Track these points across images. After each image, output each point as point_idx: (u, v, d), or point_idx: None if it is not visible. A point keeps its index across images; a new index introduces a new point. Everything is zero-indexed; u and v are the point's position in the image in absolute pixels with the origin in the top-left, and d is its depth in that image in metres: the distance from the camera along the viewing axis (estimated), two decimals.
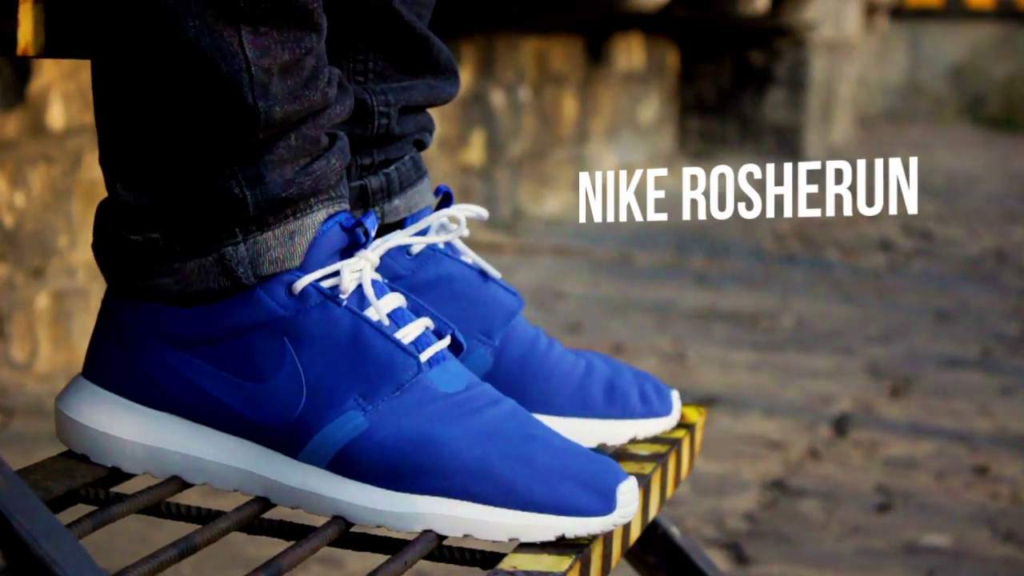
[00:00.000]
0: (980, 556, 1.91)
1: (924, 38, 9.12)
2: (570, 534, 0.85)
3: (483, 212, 1.05)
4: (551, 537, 0.85)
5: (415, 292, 1.00)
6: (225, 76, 0.85)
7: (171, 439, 0.90)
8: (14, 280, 2.38)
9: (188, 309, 0.90)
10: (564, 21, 4.72)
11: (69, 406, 0.93)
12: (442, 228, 1.04)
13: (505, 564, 0.83)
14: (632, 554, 1.25)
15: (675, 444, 1.09)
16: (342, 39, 1.00)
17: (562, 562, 0.84)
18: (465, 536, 0.86)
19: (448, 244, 1.04)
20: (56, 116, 2.46)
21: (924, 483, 2.19)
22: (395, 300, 0.90)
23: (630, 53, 5.62)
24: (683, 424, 1.13)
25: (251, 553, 1.71)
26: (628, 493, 0.87)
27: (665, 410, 1.07)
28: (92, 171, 2.55)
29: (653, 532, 1.23)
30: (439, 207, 1.06)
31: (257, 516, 0.89)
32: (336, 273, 0.89)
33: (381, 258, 0.97)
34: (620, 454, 1.05)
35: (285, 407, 0.87)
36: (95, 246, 0.92)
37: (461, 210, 1.04)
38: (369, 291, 0.88)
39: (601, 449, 1.04)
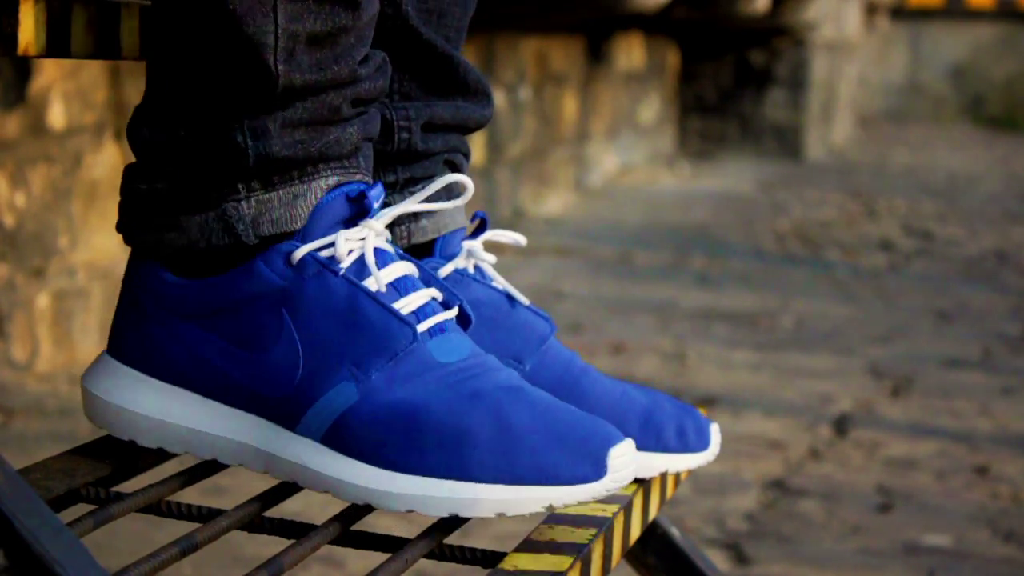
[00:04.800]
0: (980, 556, 1.91)
1: (924, 38, 9.13)
2: (558, 504, 0.84)
3: (520, 238, 1.04)
4: (539, 509, 0.84)
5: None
6: (252, 35, 0.86)
7: (181, 413, 0.91)
8: (14, 280, 2.38)
9: (195, 281, 0.90)
10: (564, 21, 4.72)
11: (92, 381, 0.94)
12: (471, 254, 1.03)
13: (506, 563, 0.83)
14: (632, 554, 1.25)
15: None
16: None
17: (563, 561, 0.84)
18: (450, 515, 0.85)
19: (478, 269, 1.03)
20: (56, 116, 2.46)
21: (924, 483, 2.19)
22: (401, 269, 0.90)
23: (630, 53, 5.62)
24: None
25: (252, 552, 1.71)
26: (621, 457, 0.85)
27: (702, 446, 1.04)
28: (92, 171, 2.55)
29: (653, 532, 1.23)
30: (475, 232, 1.05)
31: (258, 514, 0.89)
32: (334, 243, 0.89)
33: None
34: None
35: (283, 378, 0.87)
36: (120, 204, 0.93)
37: (496, 235, 1.04)
38: (370, 260, 0.88)
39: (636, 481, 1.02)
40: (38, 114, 2.42)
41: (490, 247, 1.04)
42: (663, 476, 1.04)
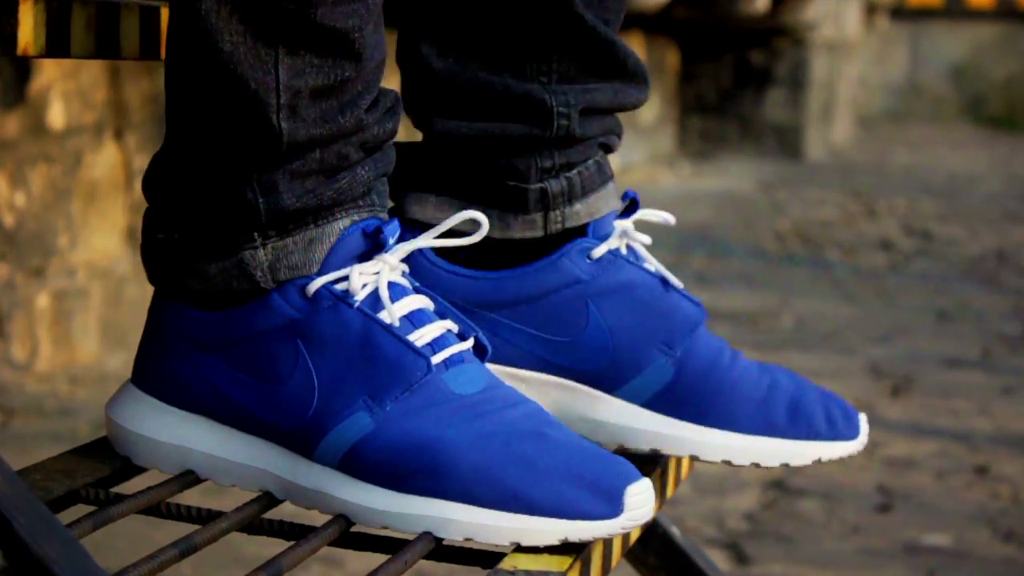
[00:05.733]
0: (980, 556, 1.91)
1: (924, 38, 9.12)
2: (573, 538, 0.84)
3: (670, 217, 1.03)
4: (554, 541, 0.84)
5: (595, 298, 1.00)
6: (254, 93, 0.86)
7: (201, 441, 0.92)
8: (14, 280, 2.38)
9: (213, 313, 0.91)
10: None
11: (115, 410, 0.95)
12: (625, 234, 1.02)
13: (505, 564, 0.83)
14: (632, 554, 1.25)
15: None
16: (525, 40, 1.00)
17: (562, 562, 0.84)
18: (466, 540, 0.85)
19: (631, 250, 1.02)
20: (56, 116, 2.46)
21: (924, 483, 2.19)
22: (416, 302, 0.90)
23: None
24: None
25: (251, 553, 1.71)
26: (638, 495, 0.85)
27: (852, 433, 1.03)
28: (92, 171, 2.55)
29: (653, 532, 1.23)
30: (626, 212, 1.04)
31: (257, 516, 0.89)
32: (348, 276, 0.89)
33: (564, 261, 0.99)
34: (620, 454, 1.04)
35: (299, 409, 0.88)
36: (141, 247, 0.94)
37: (646, 215, 1.03)
38: (384, 293, 0.88)
39: (783, 469, 1.02)
40: (38, 114, 2.42)
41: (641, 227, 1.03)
42: (663, 475, 1.04)
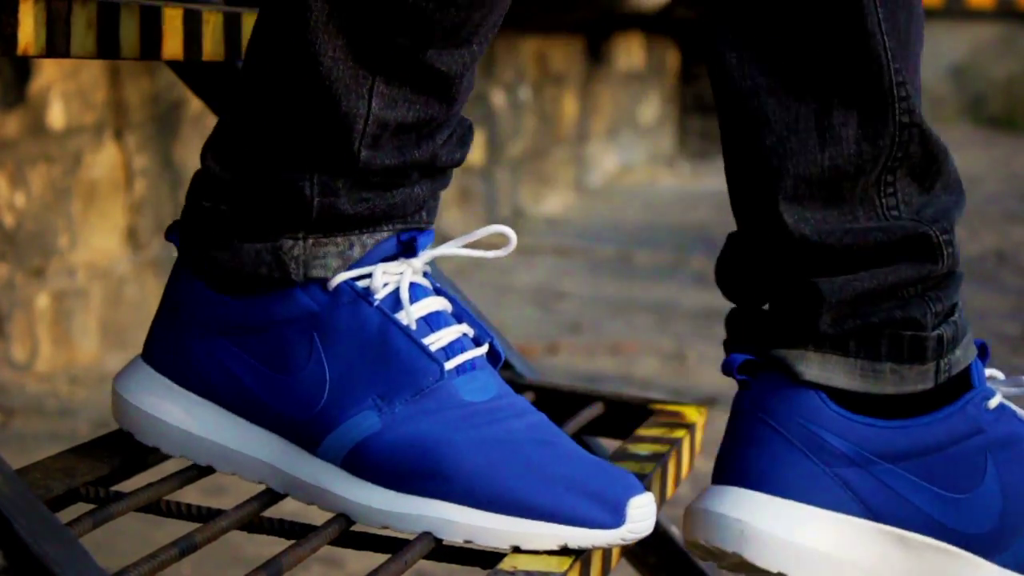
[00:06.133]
0: None
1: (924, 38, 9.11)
2: (573, 544, 0.85)
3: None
4: (553, 546, 0.85)
5: (994, 451, 0.96)
6: (343, 116, 0.86)
7: (206, 426, 0.92)
8: (14, 280, 2.38)
9: (233, 297, 0.91)
10: (564, 21, 4.72)
11: (122, 384, 0.95)
12: (1016, 383, 0.99)
13: (505, 564, 0.84)
14: (632, 554, 1.25)
15: (675, 444, 1.09)
16: (873, 170, 0.94)
17: (562, 563, 0.84)
18: (466, 542, 0.85)
19: (1003, 404, 0.98)
20: (56, 116, 2.46)
21: None
22: (435, 304, 0.90)
23: (630, 53, 5.63)
24: (683, 424, 1.13)
25: (252, 552, 1.71)
26: (640, 508, 0.86)
27: None
28: (92, 171, 2.55)
29: (653, 532, 1.23)
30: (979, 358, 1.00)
31: (257, 515, 0.89)
32: (371, 274, 0.89)
33: (970, 409, 0.95)
34: (620, 454, 1.05)
35: (308, 401, 0.88)
36: (183, 211, 0.94)
37: (993, 373, 1.00)
38: (404, 294, 0.89)
39: None
40: (38, 114, 2.42)
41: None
42: (663, 475, 1.04)
